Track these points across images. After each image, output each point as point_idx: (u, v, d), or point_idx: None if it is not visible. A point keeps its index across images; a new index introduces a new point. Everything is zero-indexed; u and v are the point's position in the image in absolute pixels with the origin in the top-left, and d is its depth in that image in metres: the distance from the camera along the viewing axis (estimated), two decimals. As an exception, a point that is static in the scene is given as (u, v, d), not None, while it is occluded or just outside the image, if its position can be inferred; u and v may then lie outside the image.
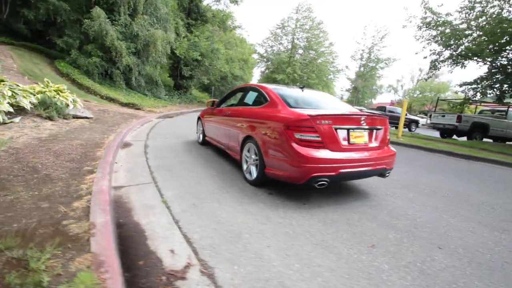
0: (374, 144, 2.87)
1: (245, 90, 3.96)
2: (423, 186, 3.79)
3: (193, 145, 5.54)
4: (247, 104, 3.74)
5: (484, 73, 10.20)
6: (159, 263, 1.64)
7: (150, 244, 1.85)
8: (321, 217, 2.46)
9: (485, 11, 9.84)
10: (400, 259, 1.90)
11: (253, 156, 3.18)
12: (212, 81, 24.53)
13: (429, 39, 11.28)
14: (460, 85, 11.09)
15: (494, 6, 9.61)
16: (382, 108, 19.26)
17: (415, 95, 36.51)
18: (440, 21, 10.44)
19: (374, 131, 2.90)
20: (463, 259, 1.96)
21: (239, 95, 4.28)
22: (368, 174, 2.83)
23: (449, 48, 11.00)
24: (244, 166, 3.39)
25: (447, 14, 10.40)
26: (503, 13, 9.43)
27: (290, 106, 2.92)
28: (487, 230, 2.48)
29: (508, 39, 9.30)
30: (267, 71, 31.49)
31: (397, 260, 1.88)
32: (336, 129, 2.61)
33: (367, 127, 2.80)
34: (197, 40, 18.46)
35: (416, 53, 12.40)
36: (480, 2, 9.89)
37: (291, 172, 2.59)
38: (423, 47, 11.43)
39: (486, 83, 10.02)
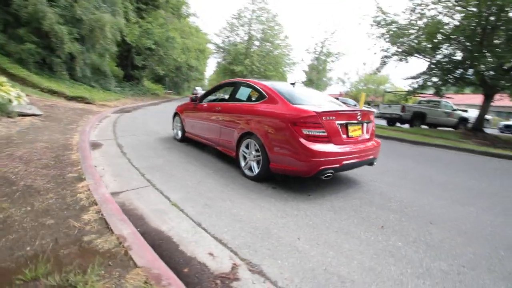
0: (366, 136, 3.16)
1: (236, 85, 3.91)
2: (394, 171, 4.30)
3: (170, 142, 5.27)
4: (240, 100, 3.71)
5: (426, 68, 11.73)
6: (205, 268, 1.61)
7: (184, 250, 1.79)
8: (329, 206, 2.65)
9: (424, 13, 11.24)
10: (407, 236, 2.20)
11: (254, 152, 3.21)
12: (167, 72, 23.16)
13: (379, 37, 12.44)
14: (405, 79, 12.59)
15: (431, 9, 11.03)
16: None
17: (360, 87, 40.15)
18: (389, 21, 11.58)
19: (365, 124, 3.19)
20: (452, 231, 2.35)
21: (228, 90, 4.20)
22: (363, 163, 3.11)
23: (395, 45, 12.31)
24: (242, 163, 3.40)
25: (395, 14, 11.58)
26: (439, 16, 10.90)
27: (291, 103, 3.01)
28: (458, 205, 2.98)
29: (441, 39, 10.82)
30: (223, 62, 30.93)
31: (406, 237, 2.17)
32: (338, 124, 2.81)
33: (361, 121, 3.06)
34: (150, 27, 17.13)
35: (368, 49, 13.86)
36: (420, 5, 11.24)
37: (300, 166, 2.71)
38: (374, 44, 12.65)
39: (426, 77, 11.56)
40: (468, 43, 10.76)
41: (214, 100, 4.81)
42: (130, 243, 1.61)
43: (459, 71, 10.84)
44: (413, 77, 12.08)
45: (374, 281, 1.61)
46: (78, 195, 2.28)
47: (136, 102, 14.99)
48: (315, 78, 28.82)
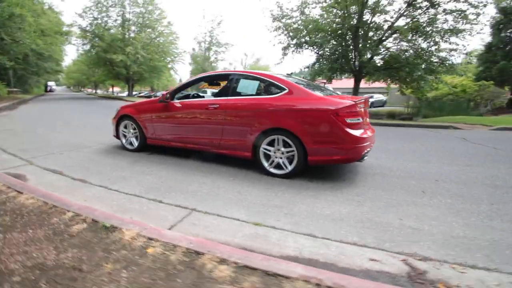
0: (368, 120, 3.61)
1: (231, 77, 3.44)
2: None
3: (124, 154, 4.09)
4: (244, 94, 3.33)
5: (315, 59, 13.97)
6: (396, 276, 1.51)
7: (339, 262, 1.59)
8: (369, 189, 2.93)
9: (308, 14, 13.27)
10: (440, 196, 2.74)
11: (283, 149, 3.03)
12: (12, 64, 16.72)
13: (276, 30, 13.72)
14: (301, 69, 14.57)
15: (313, 8, 13.11)
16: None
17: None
18: (285, 17, 12.95)
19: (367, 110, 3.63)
20: (452, 183, 3.14)
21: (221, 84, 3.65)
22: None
23: (290, 39, 13.94)
24: (265, 162, 3.15)
25: (291, 10, 13.03)
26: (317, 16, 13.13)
27: (317, 93, 3.02)
28: (426, 163, 3.96)
29: (322, 35, 13.14)
30: (93, 50, 25.44)
31: (443, 197, 2.72)
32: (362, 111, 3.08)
33: (365, 108, 3.46)
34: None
35: (270, 41, 14.76)
36: (305, 5, 13.14)
37: (346, 154, 2.83)
38: (275, 36, 13.78)
39: (317, 66, 13.82)
40: (341, 40, 13.61)
41: (186, 97, 4.05)
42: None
43: (340, 61, 13.58)
44: (307, 67, 14.20)
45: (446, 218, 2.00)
46: (149, 256, 1.52)
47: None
48: (209, 68, 28.56)
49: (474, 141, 5.84)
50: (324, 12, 13.24)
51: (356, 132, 2.82)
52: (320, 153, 2.88)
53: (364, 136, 2.88)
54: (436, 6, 11.98)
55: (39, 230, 1.71)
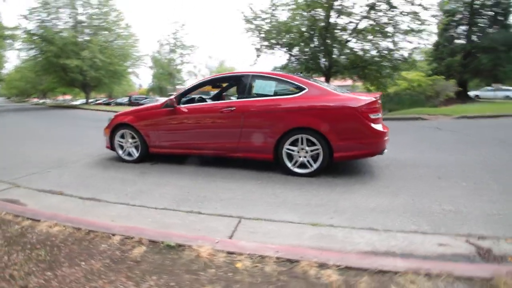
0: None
1: (245, 79, 3.34)
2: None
3: (124, 166, 3.76)
4: (260, 95, 3.27)
5: (287, 60, 14.30)
6: (471, 257, 1.60)
7: (415, 251, 1.64)
8: (392, 180, 3.08)
9: (276, 15, 13.58)
10: (454, 180, 2.96)
11: (308, 147, 3.04)
12: None
13: (248, 31, 13.78)
14: (273, 69, 14.79)
15: (283, 10, 13.43)
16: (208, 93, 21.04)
17: (214, 78, 42.30)
18: (257, 17, 13.06)
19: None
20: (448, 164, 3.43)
21: (231, 86, 3.53)
22: None
23: (262, 40, 14.10)
24: (289, 163, 3.12)
25: (261, 12, 13.16)
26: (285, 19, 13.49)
27: (336, 91, 3.09)
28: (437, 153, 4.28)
29: (295, 36, 13.53)
30: (42, 55, 22.90)
31: (457, 181, 2.94)
32: (377, 107, 3.22)
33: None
34: None
35: (237, 43, 14.67)
36: (273, 6, 13.41)
37: (370, 148, 2.93)
38: (248, 37, 13.81)
39: (291, 67, 14.16)
40: (310, 41, 14.14)
41: (191, 101, 3.84)
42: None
43: (313, 61, 14.09)
44: (280, 68, 14.46)
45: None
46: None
47: None
48: (175, 71, 27.53)
49: (447, 130, 6.48)
50: (292, 15, 13.65)
51: (379, 127, 2.94)
52: (346, 149, 2.94)
53: (385, 130, 3.01)
54: (393, 9, 13.08)
55: (92, 261, 1.48)
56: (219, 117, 3.32)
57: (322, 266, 1.37)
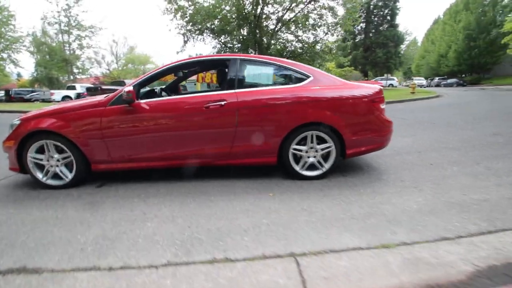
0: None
1: (232, 64, 2.55)
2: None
3: (52, 196, 2.48)
4: (255, 85, 2.59)
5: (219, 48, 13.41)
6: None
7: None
8: (404, 172, 2.99)
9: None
10: (453, 166, 3.04)
11: (318, 146, 2.59)
12: None
13: (171, 13, 12.18)
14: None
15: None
16: (120, 83, 17.96)
17: (125, 68, 36.57)
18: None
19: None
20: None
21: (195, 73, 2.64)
22: None
23: (187, 24, 12.74)
24: (296, 165, 2.62)
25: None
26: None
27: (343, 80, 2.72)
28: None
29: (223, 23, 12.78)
30: None
31: (456, 166, 3.05)
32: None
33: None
34: None
35: (167, 25, 12.89)
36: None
37: (381, 141, 2.72)
38: (170, 19, 12.17)
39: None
40: (240, 29, 13.69)
41: (150, 94, 2.79)
42: None
43: (242, 51, 13.67)
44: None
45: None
46: None
47: None
48: (73, 58, 22.27)
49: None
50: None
51: (388, 118, 2.74)
52: (359, 144, 2.64)
53: (391, 120, 2.84)
54: (313, 2, 13.90)
55: None
56: (203, 114, 2.49)
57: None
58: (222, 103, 2.46)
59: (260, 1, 13.21)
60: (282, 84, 2.71)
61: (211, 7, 12.38)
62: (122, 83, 17.89)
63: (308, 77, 2.61)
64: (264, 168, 2.89)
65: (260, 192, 2.44)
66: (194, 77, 10.23)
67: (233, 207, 2.16)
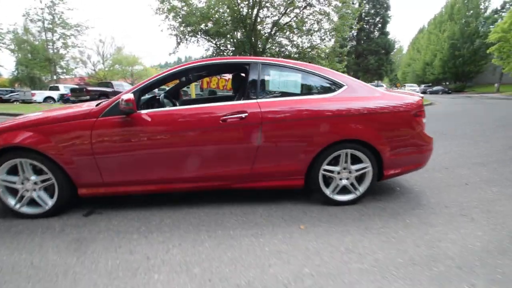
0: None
1: (252, 69, 2.14)
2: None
3: (29, 228, 1.98)
4: (279, 94, 2.18)
5: (213, 51, 12.96)
6: None
7: None
8: (440, 194, 2.66)
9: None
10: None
11: (353, 167, 2.21)
12: None
13: (163, 13, 11.66)
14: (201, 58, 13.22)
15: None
16: (107, 84, 17.18)
17: (112, 68, 35.24)
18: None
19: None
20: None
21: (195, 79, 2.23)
22: None
23: (180, 25, 12.25)
24: (326, 189, 2.23)
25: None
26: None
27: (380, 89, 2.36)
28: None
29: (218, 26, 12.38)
30: None
31: (486, 184, 2.80)
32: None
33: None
34: None
35: (159, 25, 12.37)
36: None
37: (421, 161, 2.38)
38: (162, 20, 11.64)
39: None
40: (235, 32, 13.33)
41: (150, 103, 2.33)
42: None
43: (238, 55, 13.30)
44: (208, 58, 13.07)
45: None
46: None
47: None
48: (57, 57, 21.12)
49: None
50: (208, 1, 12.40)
51: (428, 134, 2.40)
52: (399, 164, 2.28)
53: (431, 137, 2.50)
54: (309, 8, 13.76)
55: None
56: (219, 129, 2.06)
57: None
58: (243, 115, 2.04)
59: (256, 5, 12.93)
60: (312, 93, 2.31)
61: (205, 8, 11.99)
62: (109, 85, 17.17)
63: (341, 86, 2.24)
64: (283, 190, 2.49)
65: (287, 223, 2.03)
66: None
67: (261, 247, 1.73)
